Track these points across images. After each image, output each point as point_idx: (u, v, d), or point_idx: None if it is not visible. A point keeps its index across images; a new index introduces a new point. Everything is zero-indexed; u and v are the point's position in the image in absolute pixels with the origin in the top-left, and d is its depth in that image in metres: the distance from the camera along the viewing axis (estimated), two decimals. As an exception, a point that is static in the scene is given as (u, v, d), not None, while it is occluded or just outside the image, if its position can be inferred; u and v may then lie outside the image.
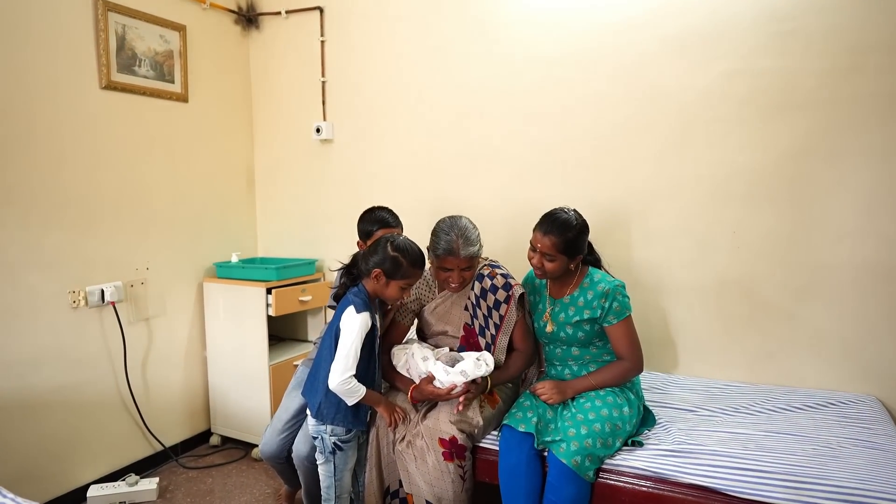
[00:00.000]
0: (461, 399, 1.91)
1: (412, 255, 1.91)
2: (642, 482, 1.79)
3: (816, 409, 2.15)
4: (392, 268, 1.87)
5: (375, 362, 1.97)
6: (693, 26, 2.37)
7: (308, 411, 1.99)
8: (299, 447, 2.13)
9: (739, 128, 2.34)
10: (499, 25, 2.71)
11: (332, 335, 1.89)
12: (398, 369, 2.09)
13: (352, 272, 1.98)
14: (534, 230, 1.99)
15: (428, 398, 1.98)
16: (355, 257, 2.00)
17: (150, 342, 2.82)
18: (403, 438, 1.96)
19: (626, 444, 1.91)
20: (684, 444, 1.88)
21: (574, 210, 2.01)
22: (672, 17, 2.39)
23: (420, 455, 1.92)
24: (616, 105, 2.53)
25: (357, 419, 1.94)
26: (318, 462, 1.97)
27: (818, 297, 2.29)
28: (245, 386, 2.97)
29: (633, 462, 1.83)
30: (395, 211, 2.40)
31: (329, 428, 1.92)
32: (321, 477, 1.97)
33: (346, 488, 1.97)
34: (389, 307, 2.16)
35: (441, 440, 1.90)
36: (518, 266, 2.25)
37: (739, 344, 2.43)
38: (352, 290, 1.94)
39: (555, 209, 2.00)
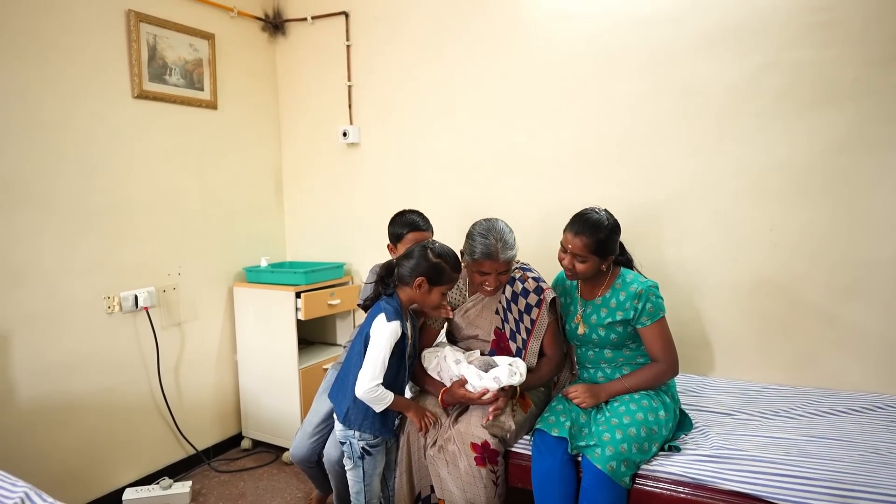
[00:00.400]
0: (491, 409, 1.89)
1: (452, 260, 1.90)
2: (680, 489, 1.74)
3: (862, 413, 2.07)
4: (435, 274, 1.86)
5: (405, 370, 1.96)
6: (726, 19, 2.31)
7: (335, 416, 1.99)
8: (330, 451, 2.13)
9: (776, 122, 2.27)
10: (526, 24, 2.68)
11: (363, 341, 1.88)
12: (429, 372, 2.07)
13: (385, 281, 1.96)
14: (564, 231, 1.96)
15: (459, 401, 1.96)
16: (389, 267, 1.97)
17: (183, 347, 2.86)
18: (435, 443, 1.94)
19: (662, 448, 1.86)
20: (723, 450, 1.82)
21: (605, 210, 1.97)
22: (704, 10, 2.34)
23: (452, 460, 1.89)
24: (647, 101, 2.48)
25: (384, 427, 1.92)
26: (346, 467, 1.96)
27: (861, 295, 2.21)
28: (275, 389, 2.98)
29: (670, 468, 1.78)
30: (424, 214, 2.38)
31: (357, 433, 1.91)
32: (350, 482, 1.96)
33: (375, 493, 1.95)
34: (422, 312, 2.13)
35: (473, 445, 1.87)
36: (549, 268, 2.22)
37: (778, 345, 2.36)
38: (384, 298, 1.92)
39: (585, 209, 1.97)
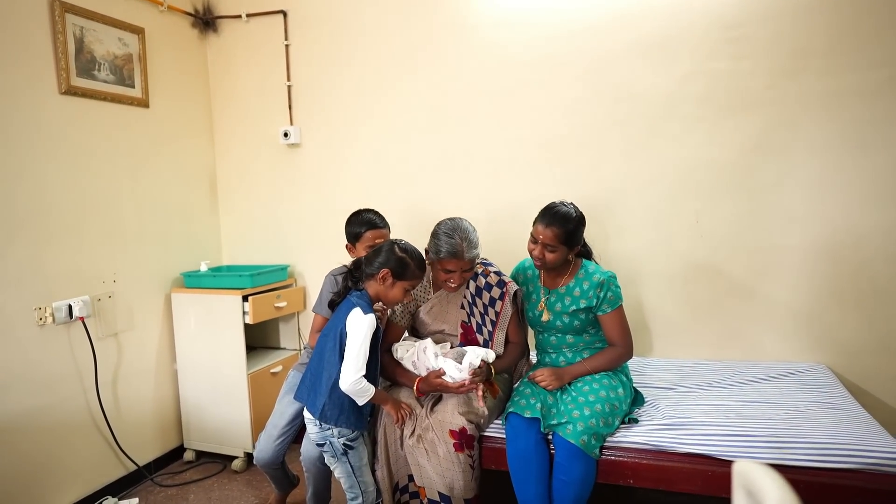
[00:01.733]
0: (479, 393, 1.98)
1: (416, 258, 1.97)
2: (643, 455, 1.92)
3: (778, 379, 2.37)
4: (400, 268, 1.92)
5: (377, 363, 2.00)
6: (654, 31, 2.55)
7: (307, 417, 1.99)
8: (308, 450, 2.12)
9: (699, 125, 2.54)
10: (469, 28, 2.79)
11: (337, 338, 1.90)
12: (404, 363, 2.12)
13: (354, 276, 2.00)
14: (534, 223, 2.09)
15: (436, 390, 2.03)
16: (357, 262, 2.02)
17: (120, 358, 2.70)
18: (413, 433, 2.00)
19: (623, 422, 2.03)
20: (674, 418, 2.03)
21: (572, 203, 2.12)
22: (635, 22, 2.56)
23: (431, 448, 1.96)
24: (585, 106, 2.67)
25: (360, 420, 1.95)
26: (331, 466, 1.97)
27: (773, 277, 2.53)
28: (221, 397, 2.89)
29: (632, 438, 1.96)
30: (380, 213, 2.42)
31: (335, 430, 1.92)
32: (341, 480, 1.97)
33: (370, 482, 1.98)
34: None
35: (451, 432, 1.95)
36: (499, 261, 2.34)
37: (706, 325, 2.64)
38: (354, 293, 1.97)
39: (554, 202, 2.11)
